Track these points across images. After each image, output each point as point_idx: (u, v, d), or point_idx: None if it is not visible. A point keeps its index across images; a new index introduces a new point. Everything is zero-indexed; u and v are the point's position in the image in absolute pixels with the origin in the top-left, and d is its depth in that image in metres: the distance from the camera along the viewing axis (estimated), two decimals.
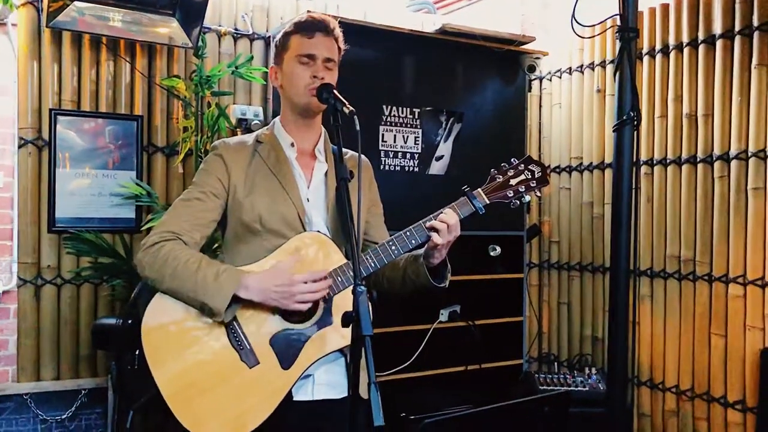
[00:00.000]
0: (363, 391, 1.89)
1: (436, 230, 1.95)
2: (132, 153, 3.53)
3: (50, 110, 3.37)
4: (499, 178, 2.07)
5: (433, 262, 2.02)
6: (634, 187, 2.42)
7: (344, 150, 2.01)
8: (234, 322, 1.93)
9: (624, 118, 2.37)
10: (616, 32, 2.42)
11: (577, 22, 2.55)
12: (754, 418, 3.28)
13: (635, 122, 2.38)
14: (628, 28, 2.38)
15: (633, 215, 2.41)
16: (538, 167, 2.10)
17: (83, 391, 3.35)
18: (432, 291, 2.08)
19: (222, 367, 1.92)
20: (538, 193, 2.13)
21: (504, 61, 4.01)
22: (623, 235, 2.40)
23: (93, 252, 3.33)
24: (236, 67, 3.41)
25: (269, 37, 3.78)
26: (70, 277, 3.43)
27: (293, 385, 1.94)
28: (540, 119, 4.50)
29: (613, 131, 2.40)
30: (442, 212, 1.99)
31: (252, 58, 3.59)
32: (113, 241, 3.43)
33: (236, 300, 1.90)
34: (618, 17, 2.45)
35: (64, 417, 3.31)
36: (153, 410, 2.69)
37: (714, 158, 3.46)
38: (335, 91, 1.96)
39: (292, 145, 2.11)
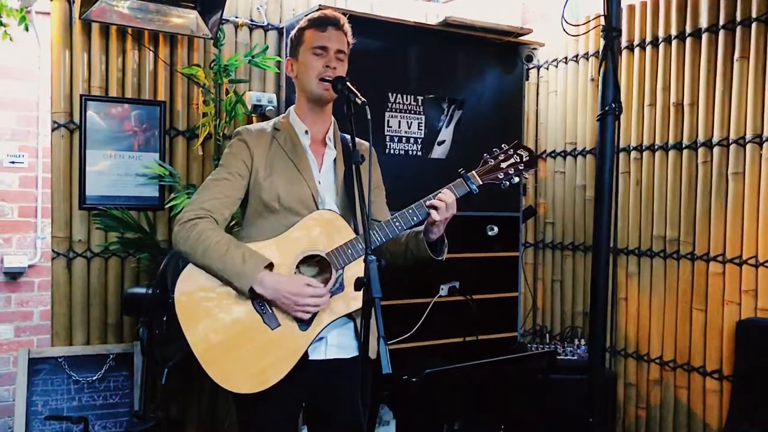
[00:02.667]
0: (371, 352, 2.13)
1: (435, 208, 2.14)
2: (155, 136, 3.71)
3: (81, 96, 3.54)
4: (491, 161, 2.26)
5: (431, 237, 2.21)
6: (615, 171, 2.61)
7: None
8: None
9: (606, 108, 2.57)
10: (601, 31, 2.61)
11: (566, 21, 2.75)
12: (730, 385, 3.46)
13: (616, 112, 2.58)
14: (611, 28, 2.57)
15: (615, 197, 2.61)
16: (526, 152, 2.28)
17: (111, 356, 3.55)
18: (431, 264, 2.27)
19: (247, 329, 2.11)
20: (527, 176, 2.30)
21: (503, 52, 4.13)
22: (604, 215, 2.59)
23: (120, 227, 3.54)
24: (252, 57, 3.59)
25: (282, 28, 3.94)
26: (99, 250, 3.62)
27: (310, 345, 2.14)
28: (537, 106, 4.61)
29: (597, 120, 2.60)
30: (440, 192, 2.17)
31: (267, 48, 3.74)
32: (138, 218, 3.61)
33: None
34: (603, 17, 2.65)
35: (94, 378, 3.50)
36: (176, 370, 2.91)
37: (698, 145, 3.61)
38: (348, 83, 2.13)
39: (306, 132, 2.30)
